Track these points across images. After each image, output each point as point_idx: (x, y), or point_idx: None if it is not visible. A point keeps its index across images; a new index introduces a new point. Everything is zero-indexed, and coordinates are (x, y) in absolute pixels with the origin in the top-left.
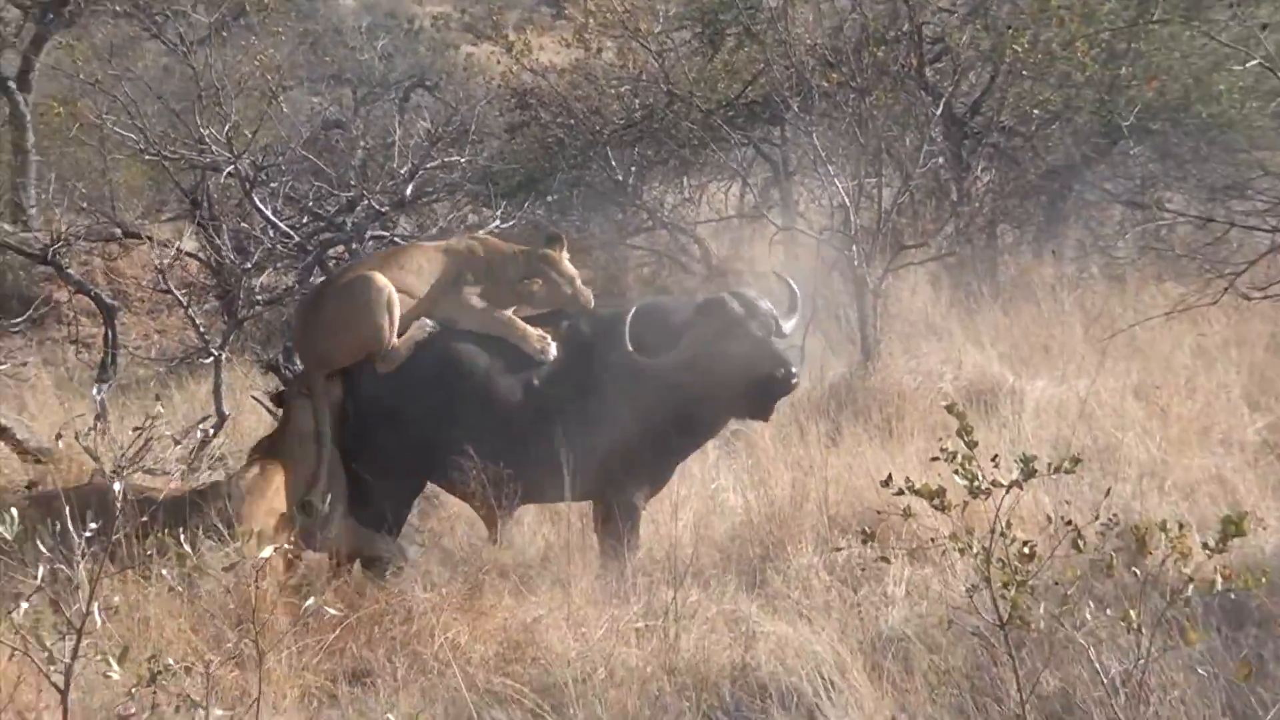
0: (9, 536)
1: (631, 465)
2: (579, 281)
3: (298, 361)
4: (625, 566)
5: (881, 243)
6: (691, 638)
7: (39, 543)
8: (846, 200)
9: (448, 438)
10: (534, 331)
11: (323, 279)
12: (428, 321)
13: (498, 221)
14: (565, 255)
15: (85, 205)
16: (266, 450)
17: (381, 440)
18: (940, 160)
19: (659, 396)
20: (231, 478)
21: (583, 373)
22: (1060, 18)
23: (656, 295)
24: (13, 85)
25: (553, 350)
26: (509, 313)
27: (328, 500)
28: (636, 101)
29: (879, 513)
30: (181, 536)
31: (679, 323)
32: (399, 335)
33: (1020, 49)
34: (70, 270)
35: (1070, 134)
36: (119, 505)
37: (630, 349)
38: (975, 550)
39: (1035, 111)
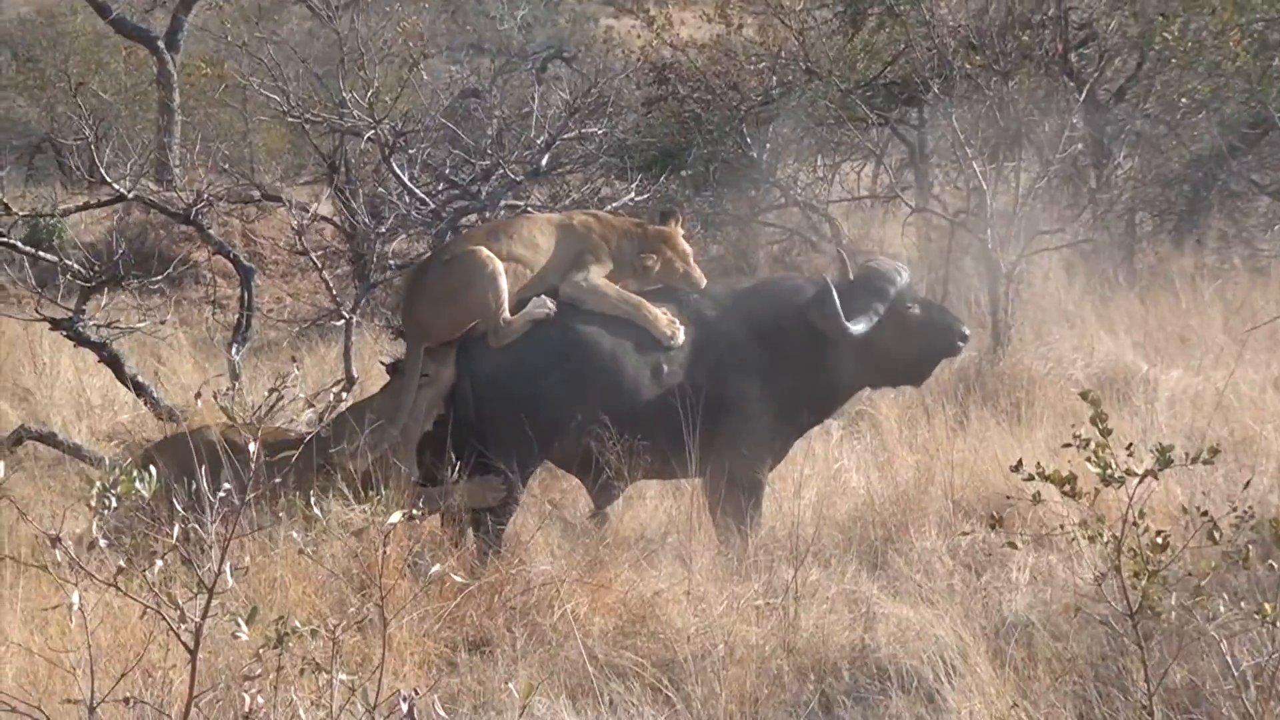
0: (148, 494)
1: (759, 440)
2: (693, 260)
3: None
4: (747, 543)
5: (1016, 227)
6: (811, 617)
7: (174, 500)
8: (983, 183)
9: (568, 417)
10: (663, 315)
11: (430, 253)
12: (548, 300)
13: (632, 194)
14: (680, 232)
15: (226, 167)
16: (368, 408)
17: (499, 416)
18: (1080, 146)
19: (803, 368)
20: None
21: (711, 351)
22: (1212, 6)
23: (783, 273)
24: (161, 45)
25: (681, 335)
26: (638, 297)
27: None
28: (775, 79)
29: (1007, 498)
30: (311, 495)
31: (809, 297)
32: (514, 309)
33: (1170, 36)
34: (210, 230)
35: (1218, 124)
36: (253, 465)
37: (841, 318)
38: (1106, 538)
39: (1182, 100)
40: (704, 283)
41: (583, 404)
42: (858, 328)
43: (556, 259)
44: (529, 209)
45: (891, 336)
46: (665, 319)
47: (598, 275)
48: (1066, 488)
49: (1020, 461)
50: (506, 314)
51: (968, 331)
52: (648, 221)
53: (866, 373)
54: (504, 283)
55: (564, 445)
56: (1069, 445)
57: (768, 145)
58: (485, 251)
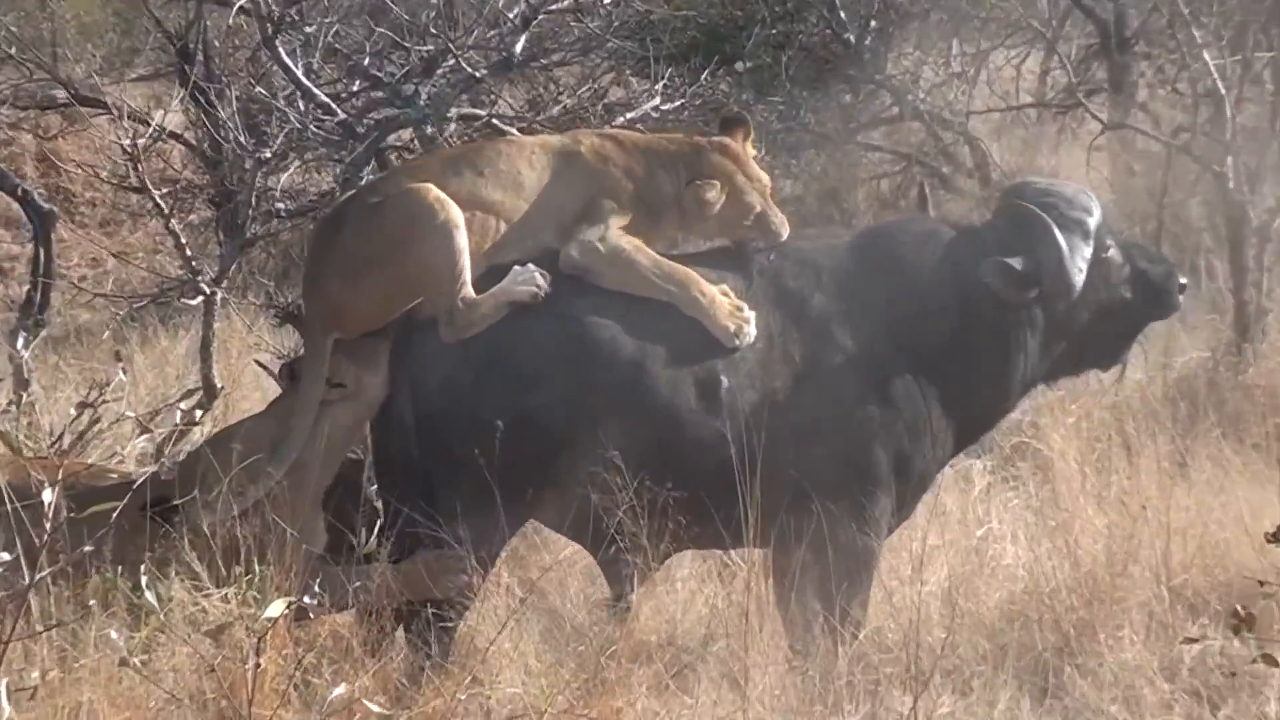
0: None
1: (875, 483)
2: (770, 194)
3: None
4: (838, 652)
5: (1275, 153)
6: None
7: None
8: (1220, 85)
9: (567, 454)
10: (723, 298)
11: (349, 193)
12: (536, 272)
13: (656, 100)
14: (751, 152)
15: (12, 52)
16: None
17: (456, 451)
18: None
19: (955, 362)
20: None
21: (801, 347)
22: None
23: (907, 214)
24: None
25: (751, 329)
26: (684, 268)
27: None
28: None
29: (1259, 584)
30: (141, 571)
31: (942, 248)
32: (481, 286)
33: None
34: None
35: None
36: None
37: (1067, 262)
38: None
39: None
40: (786, 231)
41: (589, 435)
42: (1078, 280)
43: (553, 206)
44: (496, 121)
45: (1086, 296)
46: (727, 304)
47: (620, 233)
48: None
49: None
50: (468, 290)
51: (1184, 280)
52: (702, 140)
53: (1045, 359)
54: (463, 240)
55: (558, 496)
56: None
57: (872, 23)
58: (435, 192)
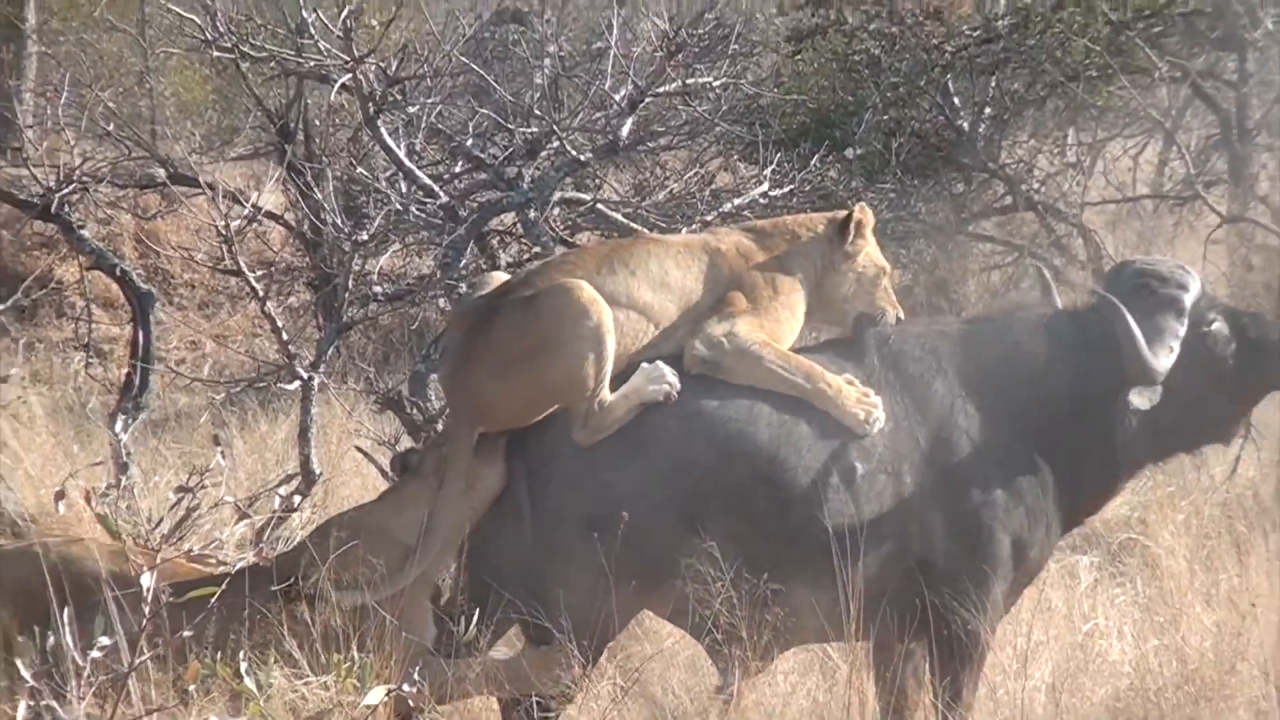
0: None
1: (992, 568)
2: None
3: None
4: None
5: None
6: None
7: (18, 660)
8: None
9: (689, 550)
10: (851, 390)
11: (499, 285)
12: (667, 372)
13: (765, 185)
14: (873, 237)
15: (111, 129)
16: (349, 526)
17: (574, 545)
18: None
19: (1071, 443)
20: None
21: (926, 430)
22: None
23: (1017, 299)
24: None
25: (880, 416)
26: (808, 360)
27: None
28: (1002, 3)
29: None
30: (240, 657)
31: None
32: (614, 384)
33: None
34: (84, 232)
35: None
36: (147, 608)
37: (1141, 346)
38: None
39: None
40: (901, 313)
41: (709, 530)
42: (1162, 361)
43: (693, 306)
44: (601, 206)
45: (1190, 372)
46: (854, 393)
47: (747, 328)
48: None
49: None
50: (605, 393)
51: None
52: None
53: (1152, 436)
54: (611, 345)
55: (674, 588)
56: None
57: (986, 111)
58: (589, 291)
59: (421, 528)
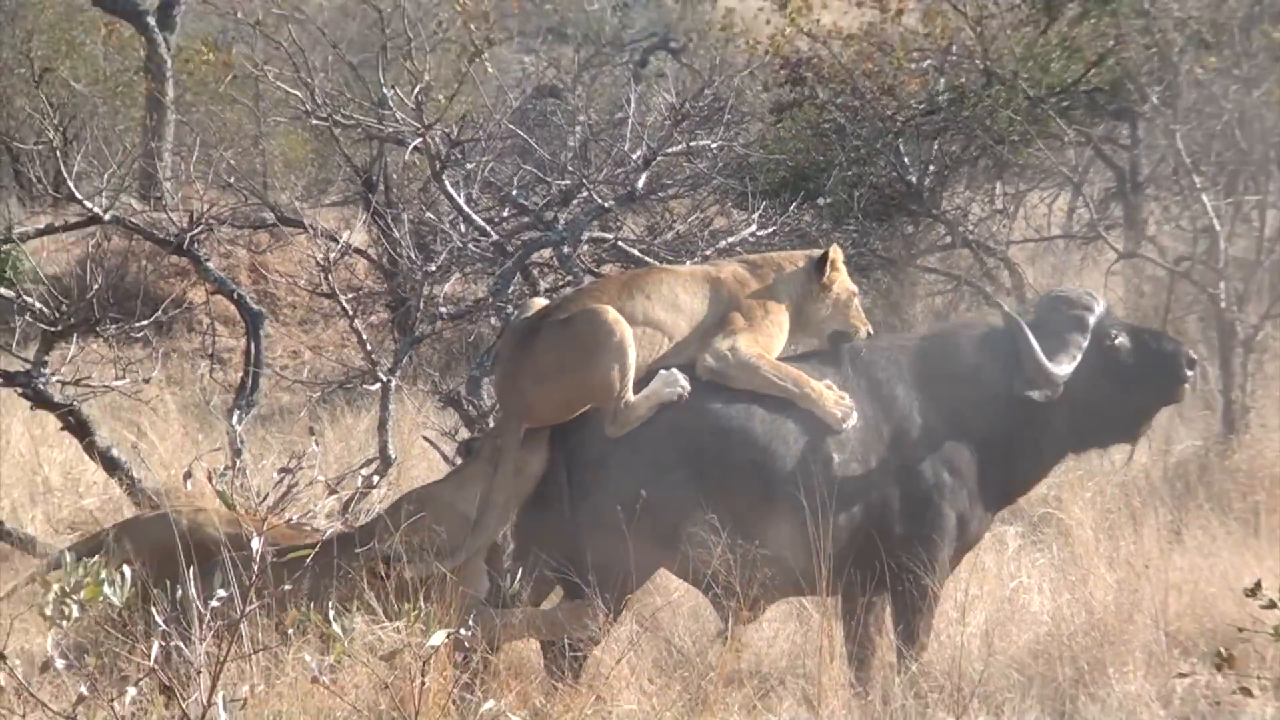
0: (119, 602)
1: (941, 537)
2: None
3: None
4: (895, 680)
5: (1260, 280)
6: None
7: (153, 609)
8: (1216, 222)
9: (697, 521)
10: (830, 393)
11: (540, 309)
12: (680, 377)
13: (753, 227)
14: (844, 269)
15: (232, 181)
16: (420, 500)
17: (603, 519)
18: None
19: (1002, 437)
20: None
21: (890, 426)
22: None
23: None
24: (152, 22)
25: (855, 417)
26: (795, 369)
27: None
28: (942, 81)
29: (1239, 630)
30: (329, 606)
31: (991, 346)
32: (638, 387)
33: None
34: (209, 263)
35: None
36: (256, 567)
37: (1039, 356)
38: None
39: None
40: (870, 328)
41: (714, 505)
42: (1060, 369)
43: (701, 324)
44: (621, 243)
45: (1098, 378)
46: (833, 396)
47: (748, 344)
48: None
49: (1259, 584)
50: (630, 395)
51: (1194, 355)
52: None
53: (1071, 434)
54: (633, 355)
55: (686, 557)
56: None
57: (931, 167)
58: (613, 313)
59: (480, 502)
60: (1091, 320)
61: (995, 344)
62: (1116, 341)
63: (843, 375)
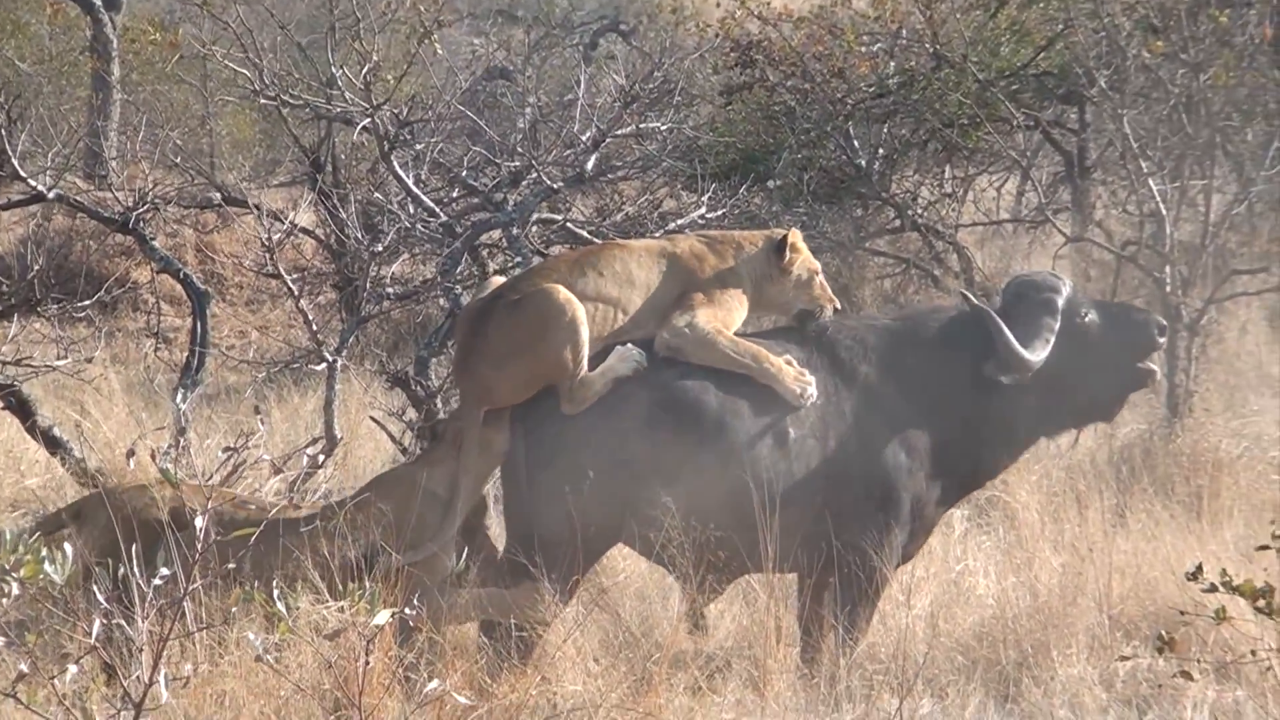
0: (60, 579)
1: (896, 520)
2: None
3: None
4: (841, 662)
5: (1205, 265)
6: None
7: (95, 587)
8: (1162, 207)
9: (654, 497)
10: (789, 369)
11: (495, 288)
12: (633, 349)
13: (703, 209)
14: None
15: (178, 161)
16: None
17: (561, 494)
18: None
19: (969, 420)
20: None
21: (850, 405)
22: None
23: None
24: (98, 1)
25: (813, 392)
26: (755, 343)
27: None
28: (892, 65)
29: (1181, 614)
30: (274, 586)
31: (960, 326)
32: (594, 364)
33: None
34: (155, 243)
35: None
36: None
37: (1014, 344)
38: None
39: None
40: (837, 304)
41: (669, 482)
42: (1035, 355)
43: (657, 299)
44: (570, 225)
45: (1071, 358)
46: (792, 372)
47: (706, 319)
48: (1261, 603)
49: (1200, 567)
50: (585, 371)
51: (1164, 322)
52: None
53: (1046, 416)
54: (585, 333)
55: (640, 529)
56: (1267, 548)
57: (880, 151)
58: (565, 292)
59: (447, 482)
60: (1060, 302)
61: (964, 328)
62: (1086, 319)
63: (806, 352)
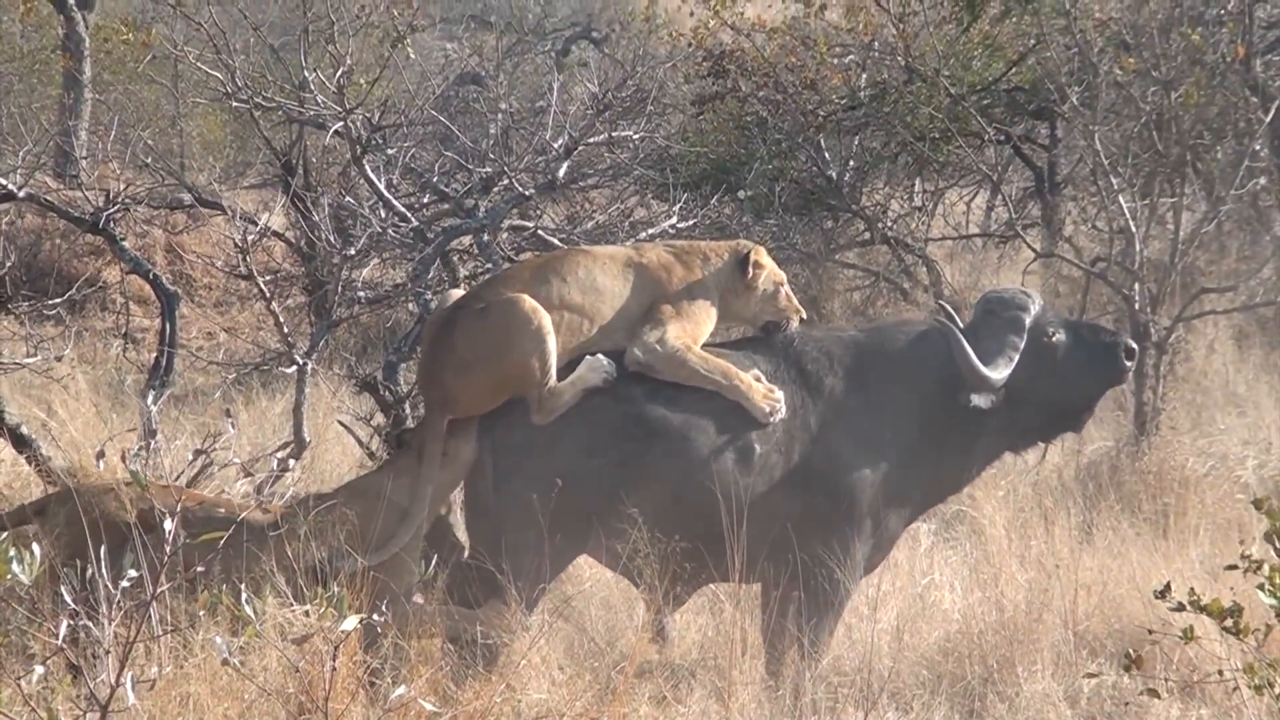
0: (27, 580)
1: (858, 533)
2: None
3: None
4: (805, 675)
5: (1174, 283)
6: None
7: (63, 589)
8: (1131, 224)
9: (618, 508)
10: (758, 386)
11: (459, 297)
12: (604, 361)
13: (674, 219)
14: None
15: (149, 161)
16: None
17: (527, 504)
18: (1262, 181)
19: (934, 435)
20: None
21: (816, 418)
22: None
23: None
24: (70, 0)
25: (782, 409)
26: (725, 362)
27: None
28: (864, 77)
29: (1148, 632)
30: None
31: (924, 344)
32: (563, 374)
33: None
34: (125, 243)
35: None
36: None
37: (973, 361)
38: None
39: None
40: (803, 314)
41: (634, 492)
42: (997, 373)
43: (624, 309)
44: (541, 232)
45: (1037, 377)
46: (761, 389)
47: (676, 334)
48: (1228, 622)
49: (1168, 586)
50: (553, 381)
51: (1134, 345)
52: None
53: (1011, 432)
54: (552, 343)
55: (605, 541)
56: (1234, 567)
57: (851, 163)
58: (530, 302)
59: (410, 493)
60: (1028, 320)
61: (931, 342)
62: (1054, 339)
63: (774, 365)
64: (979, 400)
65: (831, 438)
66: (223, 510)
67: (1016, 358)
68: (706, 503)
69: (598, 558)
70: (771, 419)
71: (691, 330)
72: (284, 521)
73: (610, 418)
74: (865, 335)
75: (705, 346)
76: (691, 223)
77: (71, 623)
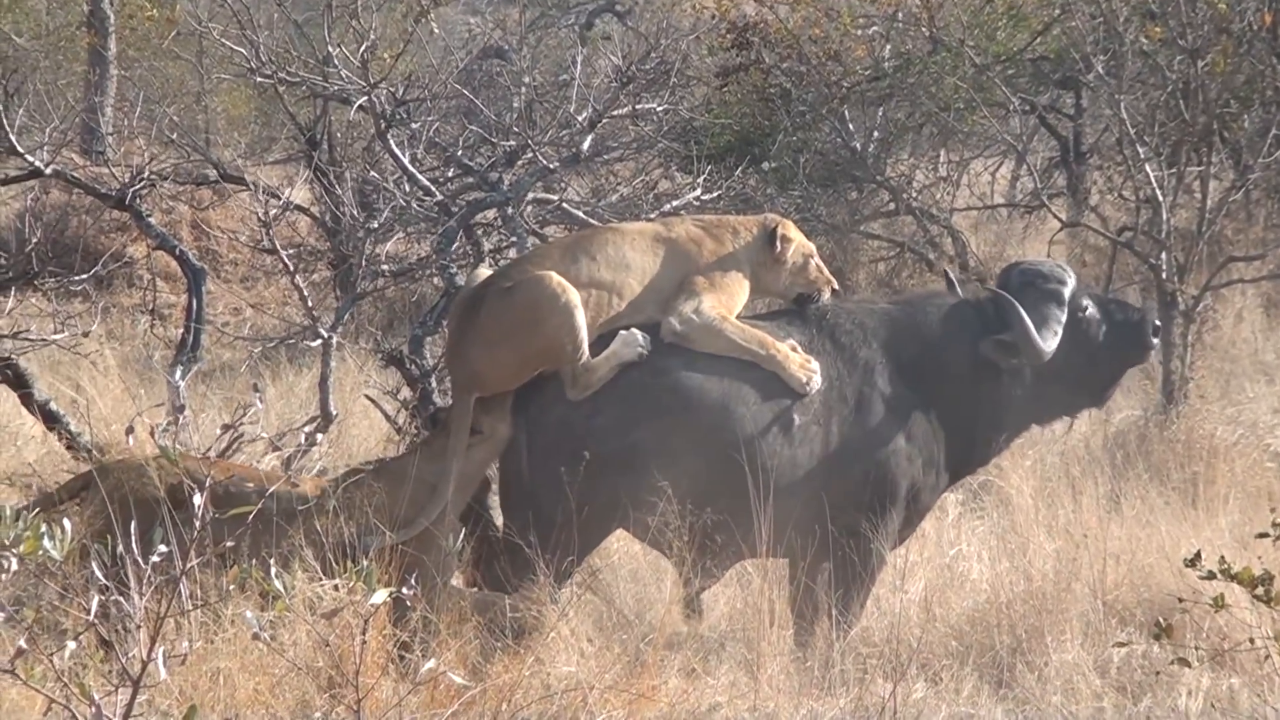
0: (59, 555)
1: (893, 504)
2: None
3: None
4: (834, 646)
5: (1201, 252)
6: None
7: (95, 565)
8: (1158, 193)
9: (653, 483)
10: (795, 356)
11: (486, 276)
12: (639, 335)
13: (698, 190)
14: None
15: (174, 137)
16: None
17: (564, 480)
18: None
19: (966, 407)
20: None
21: (851, 390)
22: None
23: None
24: None
25: (819, 379)
26: (761, 332)
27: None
28: (889, 48)
29: (1178, 600)
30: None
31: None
32: (597, 349)
33: None
34: (151, 219)
35: None
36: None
37: (1034, 335)
38: None
39: None
40: (835, 284)
41: (671, 467)
42: (1048, 345)
43: (654, 284)
44: (566, 205)
45: (1070, 351)
46: (798, 359)
47: (711, 305)
48: (1259, 590)
49: (1198, 554)
50: (587, 356)
51: (1159, 322)
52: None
53: (1038, 405)
54: (581, 318)
55: (643, 514)
56: (1265, 536)
57: (875, 134)
58: (556, 278)
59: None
60: (1067, 294)
61: (964, 314)
62: (1088, 314)
63: (808, 336)
64: (1004, 362)
65: (868, 410)
66: (251, 484)
67: (1060, 330)
68: (744, 476)
69: (628, 530)
70: (809, 389)
71: (726, 301)
72: (325, 496)
73: (647, 392)
74: (896, 307)
75: (738, 319)
76: (716, 195)
77: (103, 598)
